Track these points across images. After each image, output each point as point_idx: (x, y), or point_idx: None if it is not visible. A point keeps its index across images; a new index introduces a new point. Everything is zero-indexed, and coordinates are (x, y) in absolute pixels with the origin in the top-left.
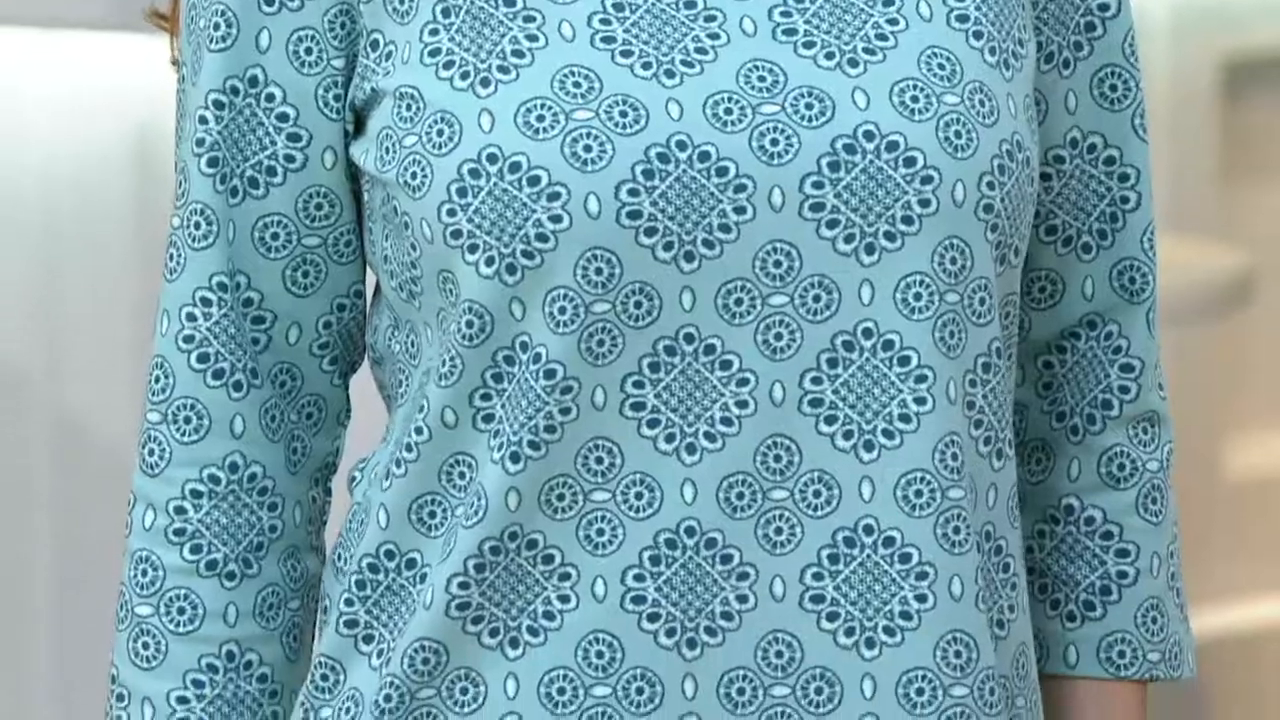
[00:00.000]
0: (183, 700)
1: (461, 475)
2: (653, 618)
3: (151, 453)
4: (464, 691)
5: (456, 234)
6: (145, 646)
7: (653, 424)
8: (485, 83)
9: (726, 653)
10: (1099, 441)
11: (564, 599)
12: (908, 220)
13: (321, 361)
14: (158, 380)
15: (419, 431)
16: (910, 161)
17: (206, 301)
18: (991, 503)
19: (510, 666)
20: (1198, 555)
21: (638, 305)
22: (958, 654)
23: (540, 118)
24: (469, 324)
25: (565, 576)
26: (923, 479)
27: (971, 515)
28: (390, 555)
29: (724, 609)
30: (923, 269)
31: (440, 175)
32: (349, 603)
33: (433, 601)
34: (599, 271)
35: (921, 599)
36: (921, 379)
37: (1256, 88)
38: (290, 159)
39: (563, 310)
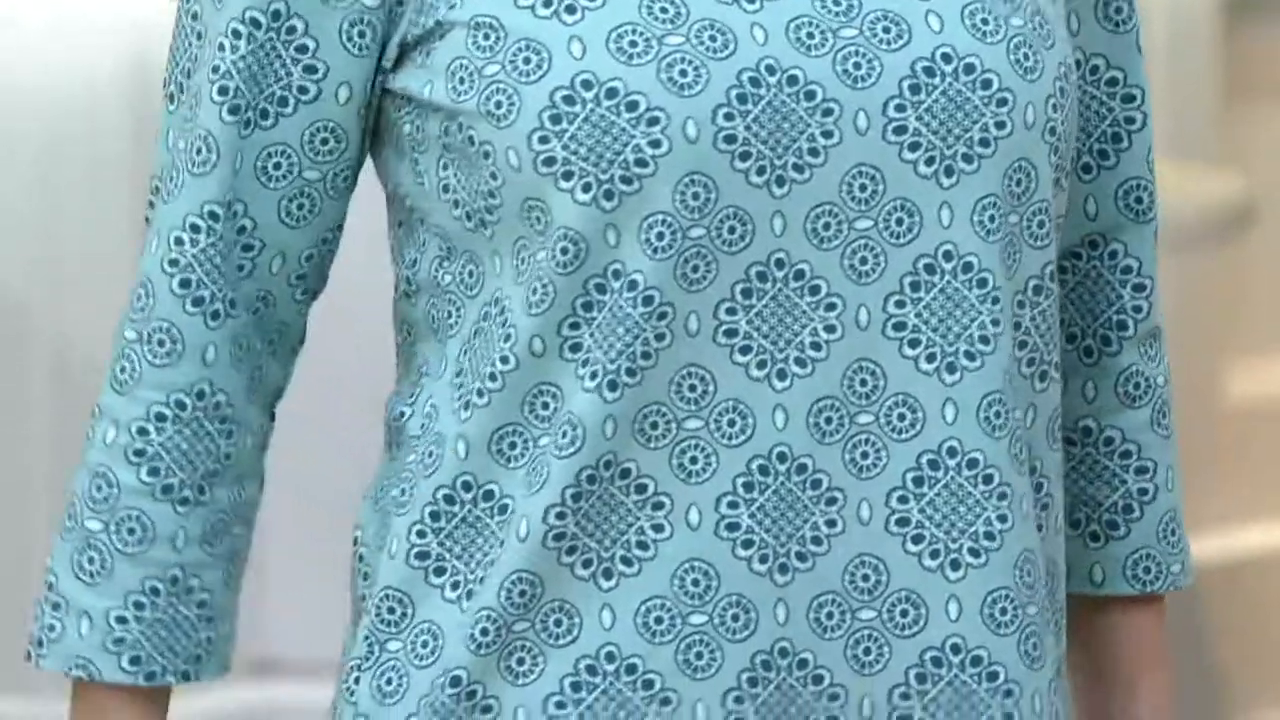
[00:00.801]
0: (121, 620)
1: (545, 405)
2: (746, 544)
3: (123, 370)
4: (558, 624)
5: (550, 161)
6: (90, 561)
7: (745, 350)
8: (570, 10)
9: (816, 578)
10: (1115, 363)
11: (658, 528)
12: (984, 143)
13: (296, 291)
14: (139, 299)
15: (505, 360)
16: (986, 84)
17: (195, 229)
18: (1029, 423)
19: (605, 598)
20: (1198, 482)
21: (731, 230)
22: (1029, 573)
23: (632, 43)
24: (563, 250)
25: (659, 506)
26: (1001, 400)
27: (1025, 436)
28: (468, 487)
29: (814, 534)
30: (994, 191)
31: (530, 103)
32: (420, 534)
33: (528, 533)
34: (696, 196)
35: (1003, 519)
36: (995, 301)
37: (1257, 14)
38: (304, 90)
39: (660, 236)
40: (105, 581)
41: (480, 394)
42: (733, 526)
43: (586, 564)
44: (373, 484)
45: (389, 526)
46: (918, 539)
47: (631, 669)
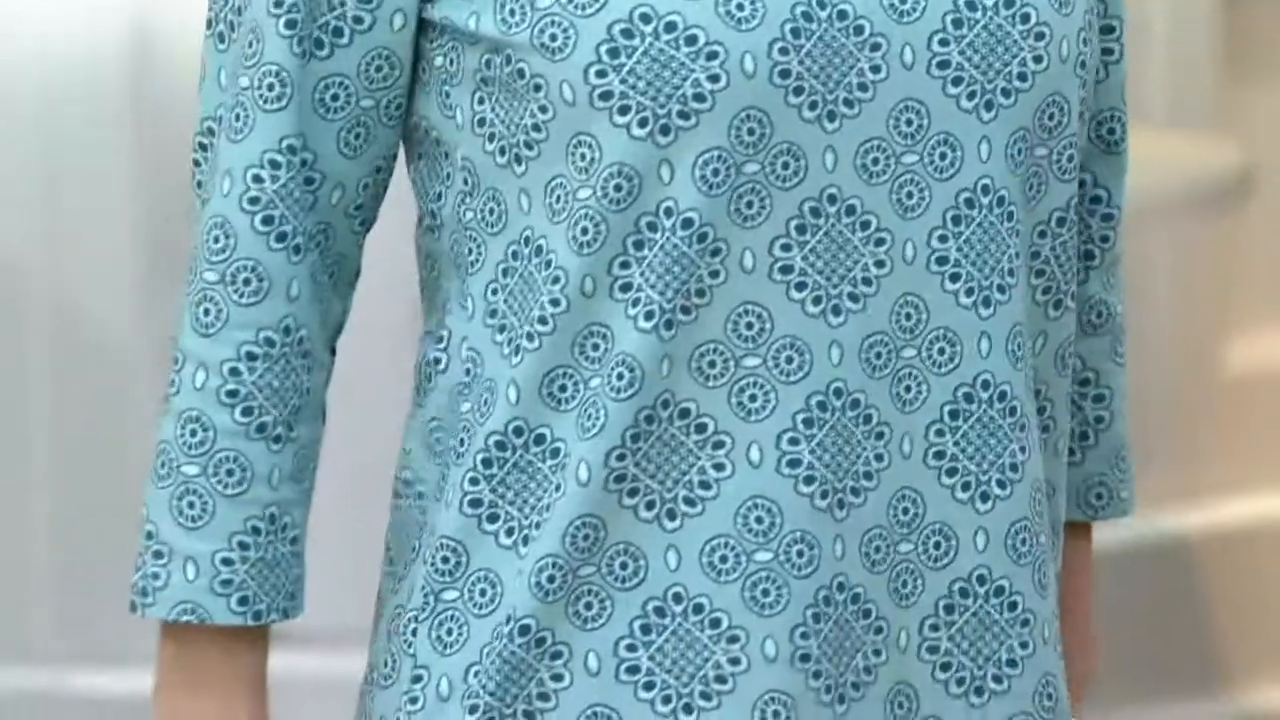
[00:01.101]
0: (227, 562)
1: (595, 347)
2: (809, 480)
3: (207, 313)
4: (624, 566)
5: (606, 95)
6: (191, 506)
7: (800, 287)
8: None
9: (867, 513)
10: (1082, 291)
11: (719, 467)
12: (1022, 77)
13: (354, 222)
14: (217, 240)
15: (555, 303)
16: (1025, 18)
17: (275, 164)
18: (1038, 350)
19: (670, 538)
20: (1196, 451)
21: (785, 166)
22: (1039, 502)
23: None
24: (616, 187)
25: (719, 445)
26: (1020, 332)
27: (1033, 363)
28: (519, 432)
29: (865, 469)
30: (1026, 124)
31: (587, 36)
32: (474, 482)
33: (589, 477)
34: (751, 132)
35: (1024, 450)
36: (1017, 234)
37: None
38: (359, 20)
39: (715, 172)
40: (208, 525)
41: (530, 338)
42: (794, 463)
43: (650, 505)
44: (418, 434)
45: (447, 476)
46: (951, 471)
47: (699, 609)
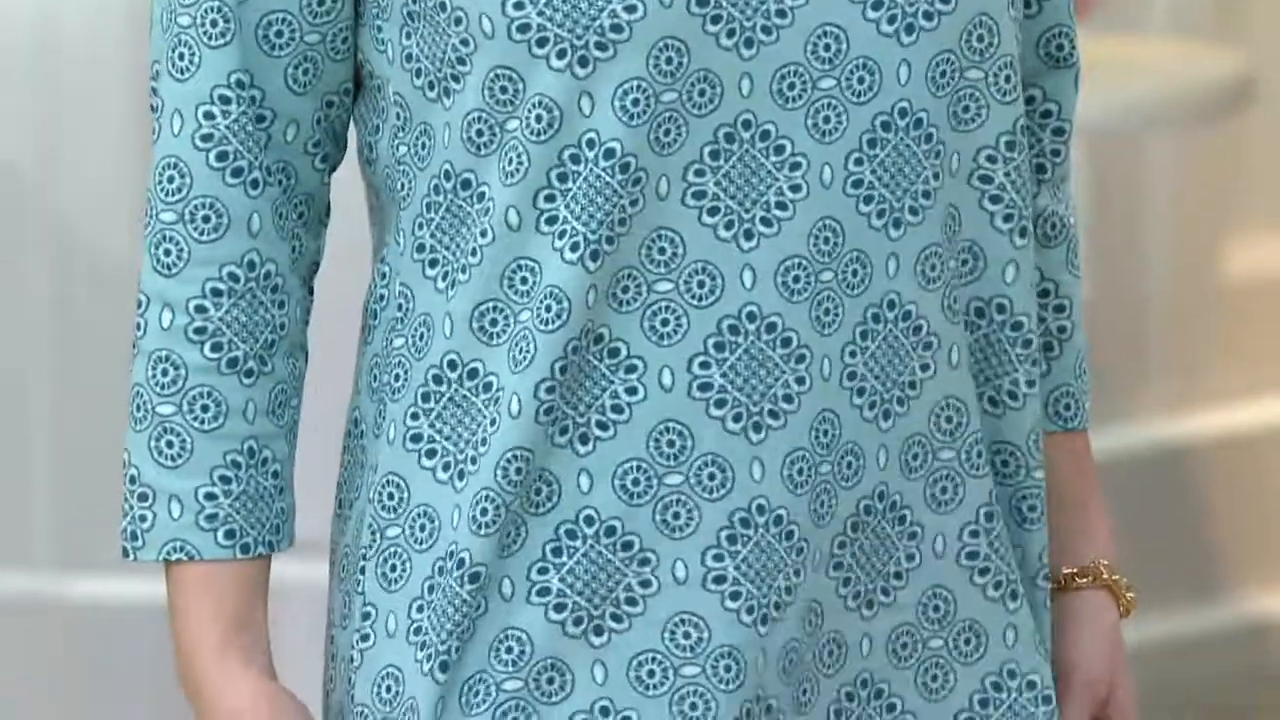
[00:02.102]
0: (210, 496)
1: (524, 280)
2: (720, 404)
3: (168, 253)
4: (538, 492)
5: (524, 28)
6: (170, 445)
7: (713, 211)
8: None
9: (787, 435)
10: (1035, 206)
11: (631, 391)
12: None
13: (314, 160)
14: (171, 180)
15: (484, 234)
16: None
17: (225, 100)
18: (1010, 279)
19: (582, 462)
20: (1197, 358)
21: (701, 93)
22: (949, 419)
23: None
24: (538, 119)
25: (631, 369)
26: (936, 253)
27: (963, 287)
28: (453, 366)
29: (784, 391)
30: (951, 47)
31: None
32: (414, 416)
33: (520, 409)
34: (669, 61)
35: (925, 368)
36: (937, 155)
37: None
38: None
39: (635, 102)
40: (188, 462)
41: (463, 270)
42: (705, 386)
43: (563, 431)
44: (363, 373)
45: (385, 413)
46: (860, 391)
47: (610, 531)
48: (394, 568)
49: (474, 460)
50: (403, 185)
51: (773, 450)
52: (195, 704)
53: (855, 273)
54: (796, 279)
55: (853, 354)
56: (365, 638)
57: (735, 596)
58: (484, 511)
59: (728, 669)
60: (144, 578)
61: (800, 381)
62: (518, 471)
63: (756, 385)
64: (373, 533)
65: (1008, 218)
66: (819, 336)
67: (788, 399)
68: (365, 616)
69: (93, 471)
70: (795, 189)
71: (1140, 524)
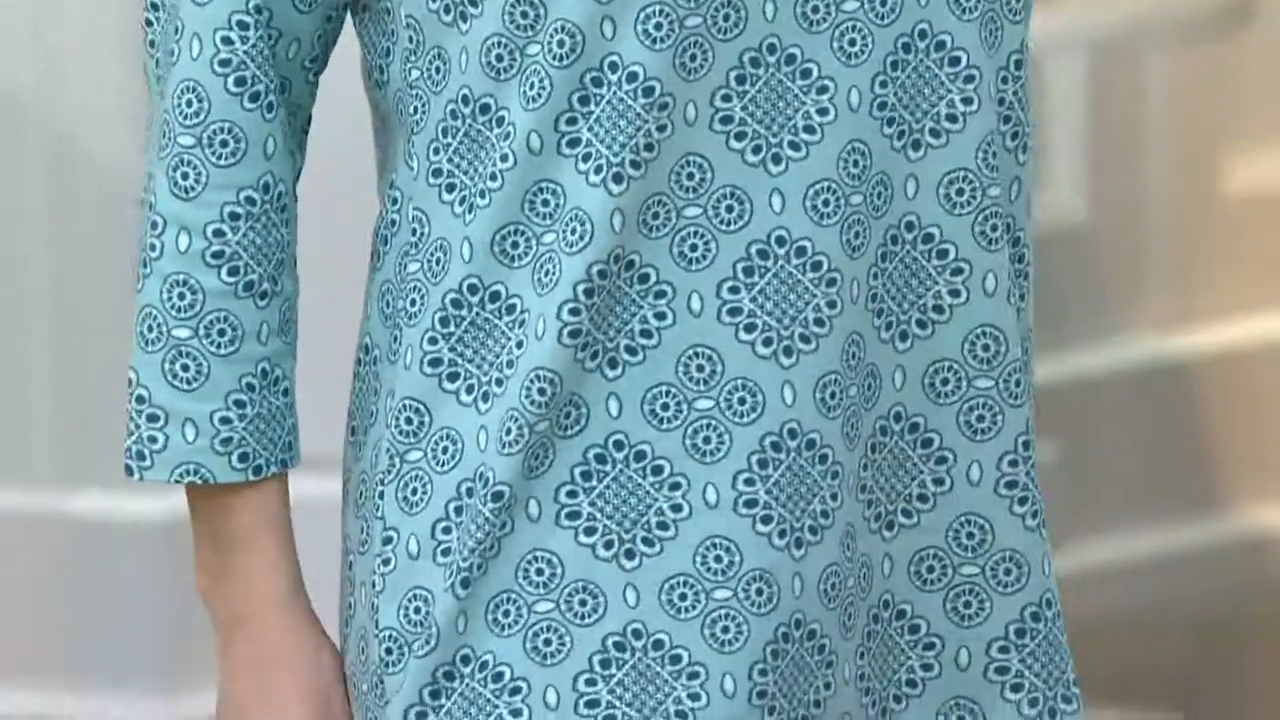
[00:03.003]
0: (225, 420)
1: (545, 203)
2: (749, 328)
3: (185, 176)
4: (567, 415)
5: None
6: (185, 369)
7: (740, 136)
8: None
9: (819, 359)
10: None
11: (660, 315)
12: None
13: (309, 74)
14: (190, 105)
15: (504, 159)
16: None
17: (244, 25)
18: (1014, 196)
19: (611, 386)
20: (1196, 272)
21: (726, 17)
22: (985, 347)
23: None
24: (560, 44)
25: (661, 294)
26: (965, 177)
27: (1005, 211)
28: (474, 290)
29: (816, 315)
30: None
31: None
32: (432, 341)
33: (544, 331)
34: None
35: (955, 294)
36: (970, 79)
37: None
38: None
39: (658, 26)
40: (204, 386)
41: (482, 195)
42: (735, 311)
43: (594, 355)
44: (374, 299)
45: (400, 339)
46: (879, 313)
47: (640, 455)
48: (415, 491)
49: (499, 383)
50: (415, 109)
51: (804, 374)
52: (239, 632)
53: (879, 194)
54: (826, 203)
55: (874, 276)
56: (387, 562)
57: (766, 520)
58: (509, 432)
59: (759, 592)
60: (143, 494)
61: (831, 305)
62: (541, 393)
63: (786, 310)
64: (391, 457)
65: (1014, 135)
66: (849, 260)
67: (819, 323)
68: (386, 541)
69: (92, 387)
70: (823, 112)
71: (1137, 438)
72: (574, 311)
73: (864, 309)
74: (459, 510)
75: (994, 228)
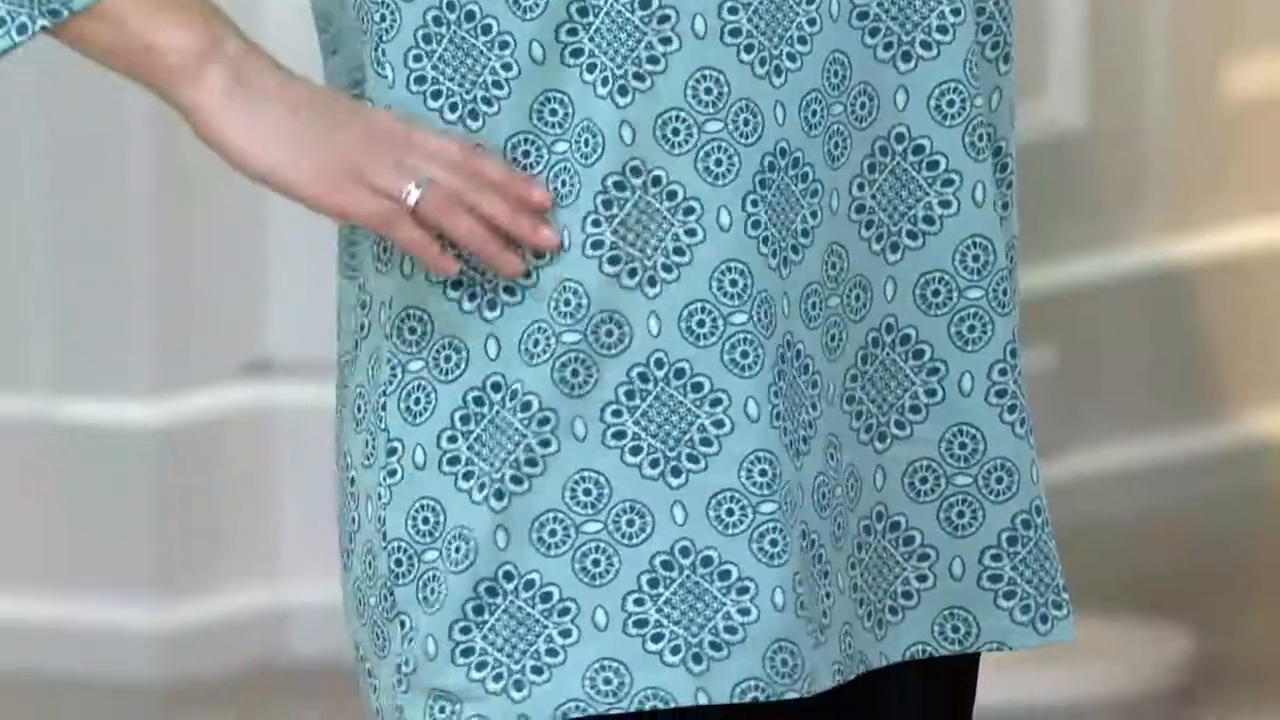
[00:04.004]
0: None
1: (554, 113)
2: (765, 240)
3: None
4: (609, 334)
5: None
6: None
7: (749, 49)
8: None
9: (804, 270)
10: None
11: (691, 233)
12: None
13: None
14: None
15: (507, 68)
16: None
17: None
18: (994, 106)
19: (651, 305)
20: (1196, 178)
21: None
22: (975, 257)
23: None
24: None
25: (690, 211)
26: (955, 88)
27: (988, 120)
28: None
29: (803, 226)
30: None
31: None
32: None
33: (570, 243)
34: None
35: (946, 205)
36: None
37: None
38: None
39: None
40: None
41: (489, 103)
42: (756, 224)
43: (632, 274)
44: None
45: (392, 246)
46: (868, 225)
47: (680, 373)
48: (418, 401)
49: (511, 291)
50: (384, 17)
51: (794, 282)
52: (215, 86)
53: (863, 105)
54: (815, 113)
55: (860, 187)
56: (393, 473)
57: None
58: (536, 343)
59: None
60: (140, 400)
61: (814, 215)
62: (566, 304)
63: (785, 221)
64: (393, 368)
65: (995, 45)
66: (829, 170)
67: (805, 234)
68: (391, 452)
69: (90, 293)
70: (811, 22)
71: (1138, 346)
72: (595, 223)
73: (847, 220)
74: (465, 419)
75: (980, 138)
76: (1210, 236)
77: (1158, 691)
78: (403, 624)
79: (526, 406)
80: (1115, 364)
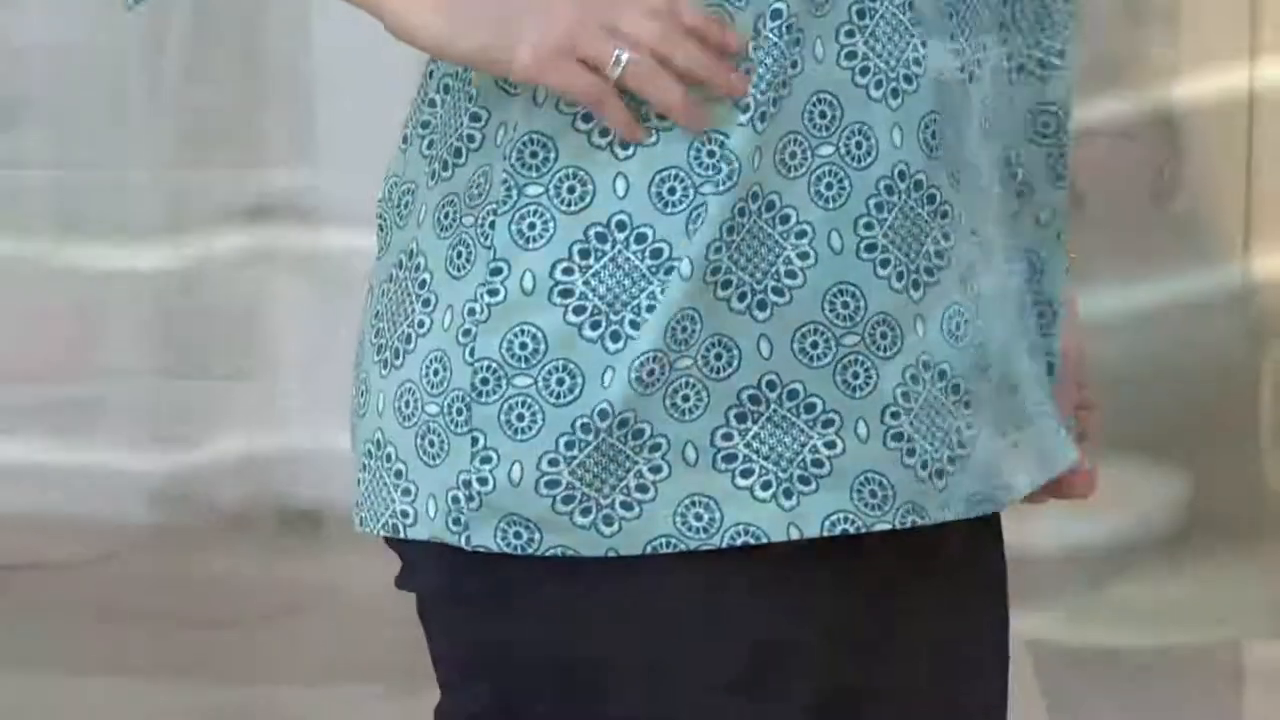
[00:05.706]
0: None
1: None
2: (884, 264)
3: None
4: (718, 357)
5: None
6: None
7: (864, 72)
8: None
9: (943, 291)
10: None
11: (804, 256)
12: None
13: None
14: None
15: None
16: None
17: None
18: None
19: (761, 328)
20: (1192, 18)
21: None
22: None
23: None
24: None
25: (802, 234)
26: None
27: (1004, 130)
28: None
29: (936, 248)
30: None
31: None
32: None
33: (692, 271)
34: None
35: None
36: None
37: None
38: None
39: None
40: None
41: None
42: (871, 248)
43: (741, 298)
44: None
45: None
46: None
47: (793, 394)
48: (533, 226)
49: (648, 130)
50: None
51: (932, 305)
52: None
53: (992, 126)
54: (935, 135)
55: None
56: (494, 292)
57: (907, 441)
58: (673, 190)
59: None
60: (137, 245)
61: (945, 238)
62: (710, 154)
63: (911, 242)
64: (507, 189)
65: (1010, 56)
66: (956, 194)
67: (939, 255)
68: (495, 272)
69: (91, 138)
70: (924, 44)
71: (1138, 188)
72: (717, 250)
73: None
74: (585, 254)
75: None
76: (1209, 77)
77: (1154, 534)
78: (475, 440)
79: (658, 255)
80: (1118, 212)
